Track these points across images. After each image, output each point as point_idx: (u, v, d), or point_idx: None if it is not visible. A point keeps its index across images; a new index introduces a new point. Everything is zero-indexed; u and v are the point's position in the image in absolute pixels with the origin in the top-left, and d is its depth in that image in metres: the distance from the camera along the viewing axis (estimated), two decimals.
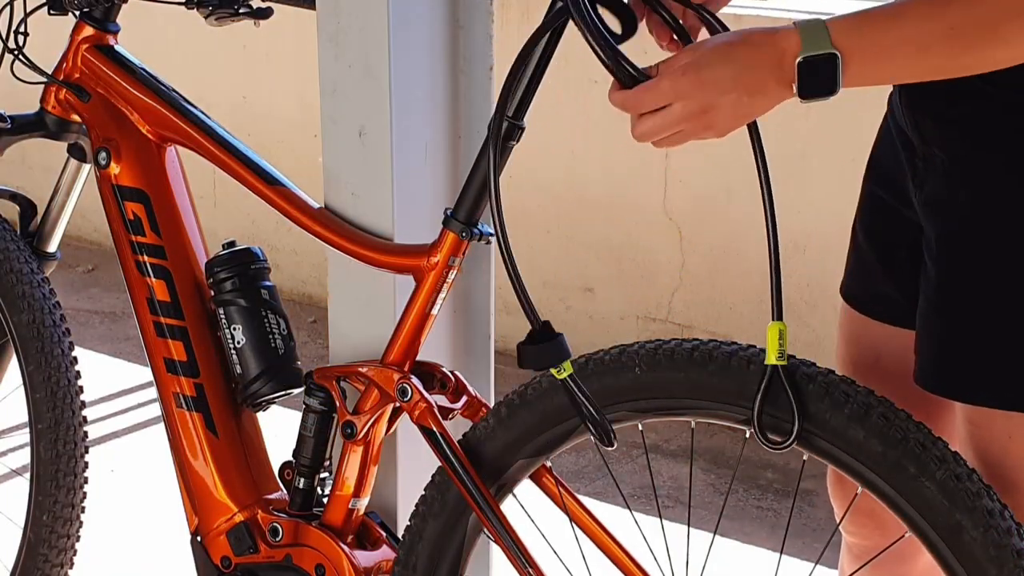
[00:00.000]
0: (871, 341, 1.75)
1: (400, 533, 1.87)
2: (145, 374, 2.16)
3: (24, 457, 2.44)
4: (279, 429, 2.30)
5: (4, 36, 2.13)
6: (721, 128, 1.40)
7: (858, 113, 3.38)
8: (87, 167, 2.23)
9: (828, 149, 3.43)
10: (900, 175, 1.63)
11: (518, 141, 1.74)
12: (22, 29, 2.14)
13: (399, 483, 2.03)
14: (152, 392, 2.17)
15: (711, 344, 1.58)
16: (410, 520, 1.80)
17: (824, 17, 1.35)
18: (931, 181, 1.56)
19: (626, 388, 1.61)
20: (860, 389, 1.50)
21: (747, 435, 1.57)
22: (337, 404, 1.89)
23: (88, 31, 2.14)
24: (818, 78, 1.34)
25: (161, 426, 2.09)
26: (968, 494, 1.43)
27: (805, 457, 1.54)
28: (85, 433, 2.24)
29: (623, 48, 1.45)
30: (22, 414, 2.25)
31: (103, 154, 2.08)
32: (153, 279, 2.04)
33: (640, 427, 1.66)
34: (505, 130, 1.71)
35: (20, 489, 2.37)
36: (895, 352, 1.70)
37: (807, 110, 3.43)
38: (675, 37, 1.51)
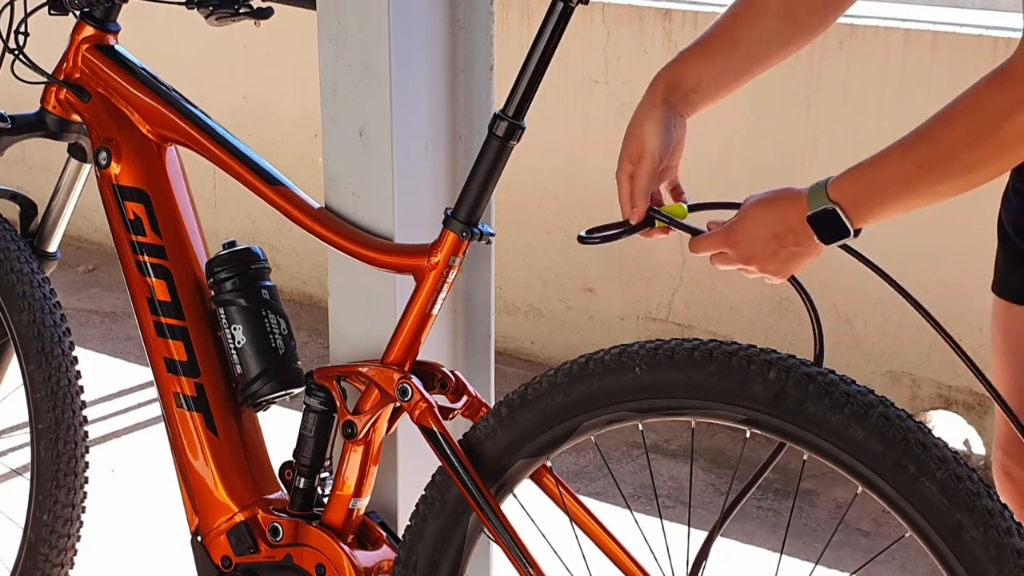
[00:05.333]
0: None
1: (400, 533, 1.87)
2: (145, 374, 2.16)
3: (24, 457, 2.44)
4: (279, 429, 2.30)
5: (4, 36, 2.13)
6: (776, 272, 1.60)
7: (859, 113, 3.38)
8: (87, 167, 2.23)
9: (829, 149, 3.42)
10: None
11: (518, 141, 1.75)
12: (22, 29, 2.14)
13: (399, 483, 2.03)
14: (152, 392, 2.17)
15: (711, 344, 1.58)
16: (410, 520, 1.80)
17: (831, 177, 1.54)
18: None
19: (626, 388, 1.61)
20: (860, 388, 1.50)
21: (747, 435, 1.57)
22: (337, 404, 1.89)
23: (88, 31, 2.14)
24: (829, 227, 1.53)
25: (161, 426, 2.09)
26: (968, 494, 1.43)
27: (805, 457, 1.54)
28: (85, 433, 2.24)
29: None
30: (22, 414, 2.25)
31: (103, 154, 2.08)
32: (153, 279, 2.04)
33: (640, 427, 1.66)
34: (505, 130, 1.72)
35: (20, 489, 2.37)
36: None
37: (807, 110, 3.44)
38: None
